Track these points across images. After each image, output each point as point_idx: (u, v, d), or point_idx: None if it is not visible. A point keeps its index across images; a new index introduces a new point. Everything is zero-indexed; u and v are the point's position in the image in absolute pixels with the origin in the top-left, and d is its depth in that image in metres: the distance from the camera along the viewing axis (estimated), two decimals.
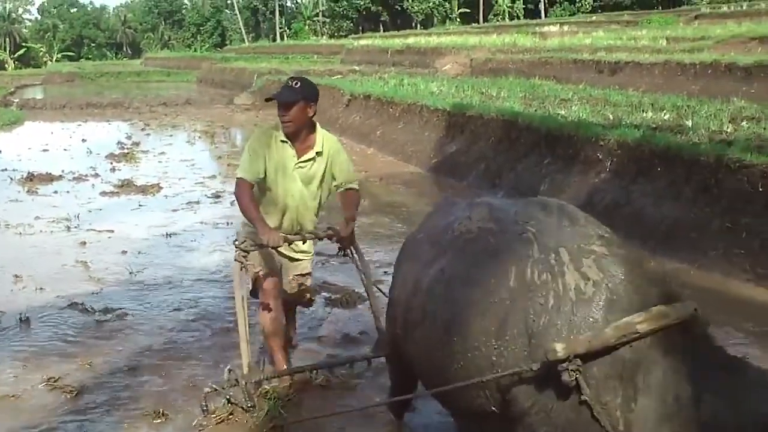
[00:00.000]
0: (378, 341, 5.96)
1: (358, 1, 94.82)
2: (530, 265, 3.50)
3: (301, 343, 6.90)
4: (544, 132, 13.42)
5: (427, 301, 3.93)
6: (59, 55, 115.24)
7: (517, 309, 3.44)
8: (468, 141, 16.01)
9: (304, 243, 5.87)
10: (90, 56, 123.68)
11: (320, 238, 5.83)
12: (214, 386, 5.50)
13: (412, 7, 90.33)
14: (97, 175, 16.50)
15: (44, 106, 35.80)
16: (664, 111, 14.58)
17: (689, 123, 12.54)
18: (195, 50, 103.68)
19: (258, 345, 6.15)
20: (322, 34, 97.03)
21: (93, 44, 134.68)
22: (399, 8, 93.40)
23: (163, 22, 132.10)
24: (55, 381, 6.17)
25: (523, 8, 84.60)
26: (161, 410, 5.63)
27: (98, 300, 8.26)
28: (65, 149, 21.33)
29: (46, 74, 70.79)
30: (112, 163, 18.35)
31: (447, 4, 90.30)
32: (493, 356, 3.48)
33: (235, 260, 5.45)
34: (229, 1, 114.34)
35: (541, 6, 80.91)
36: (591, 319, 3.28)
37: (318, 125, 5.69)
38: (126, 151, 20.57)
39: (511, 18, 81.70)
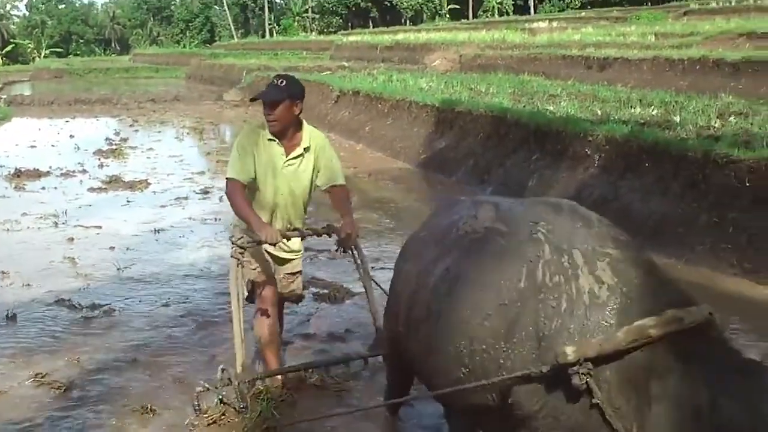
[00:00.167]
0: (375, 340, 5.93)
1: None
2: (541, 266, 3.42)
3: (290, 340, 6.89)
4: (533, 128, 13.44)
5: (431, 300, 3.85)
6: (47, 51, 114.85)
7: (527, 311, 3.37)
8: (457, 137, 16.02)
9: (303, 239, 5.84)
10: (78, 52, 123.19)
11: (318, 235, 5.80)
12: (206, 385, 5.41)
13: (401, 3, 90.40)
14: (85, 171, 16.44)
15: (32, 102, 35.60)
16: (653, 107, 14.62)
17: (677, 118, 12.58)
18: (184, 46, 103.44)
19: (252, 344, 6.08)
20: (312, 31, 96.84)
21: (81, 40, 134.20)
22: (388, 4, 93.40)
23: (151, 18, 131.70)
24: (42, 377, 6.16)
25: (513, 4, 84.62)
26: (149, 406, 5.62)
27: (86, 296, 8.24)
28: (53, 145, 21.24)
29: (34, 70, 70.38)
30: (100, 159, 18.30)
31: (436, 0, 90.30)
32: (501, 358, 3.42)
33: (232, 257, 5.39)
34: None
35: (531, 2, 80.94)
36: (605, 324, 3.21)
37: (305, 123, 5.63)
38: (114, 147, 20.49)
39: (501, 14, 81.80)
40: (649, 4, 61.96)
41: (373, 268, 6.79)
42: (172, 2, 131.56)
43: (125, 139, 22.30)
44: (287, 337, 6.86)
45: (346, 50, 48.22)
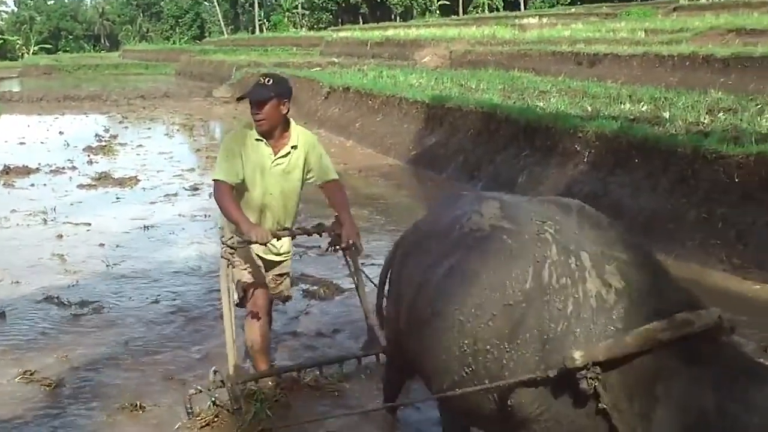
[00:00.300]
0: (368, 339, 5.88)
1: None
2: (548, 267, 3.35)
3: (281, 338, 6.87)
4: (523, 124, 13.44)
5: (435, 298, 3.75)
6: (36, 48, 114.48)
7: (532, 312, 3.31)
8: (447, 133, 16.02)
9: (293, 239, 5.79)
10: (67, 49, 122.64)
11: (309, 234, 5.73)
12: (198, 388, 5.36)
13: None
14: (74, 168, 16.41)
15: (21, 98, 35.50)
16: (642, 102, 14.64)
17: (667, 114, 12.60)
18: (174, 42, 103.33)
19: (244, 344, 5.98)
20: (302, 26, 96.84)
21: (70, 36, 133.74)
22: (378, 0, 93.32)
23: (141, 14, 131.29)
24: (31, 374, 6.15)
25: (503, 0, 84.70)
26: (139, 403, 5.61)
27: (75, 293, 8.23)
28: (42, 142, 21.15)
29: (22, 67, 70.18)
30: (89, 156, 18.25)
31: None
32: (504, 359, 3.35)
33: (222, 257, 5.30)
34: None
35: None
36: (612, 328, 3.15)
37: (292, 122, 5.56)
38: (104, 143, 20.46)
39: (491, 10, 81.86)
40: (639, 0, 62.10)
41: (363, 264, 6.78)
42: None
43: (115, 136, 22.24)
44: (277, 335, 6.84)
45: (336, 46, 48.19)
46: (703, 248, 8.65)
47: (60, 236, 10.62)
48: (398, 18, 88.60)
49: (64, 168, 16.37)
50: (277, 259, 5.77)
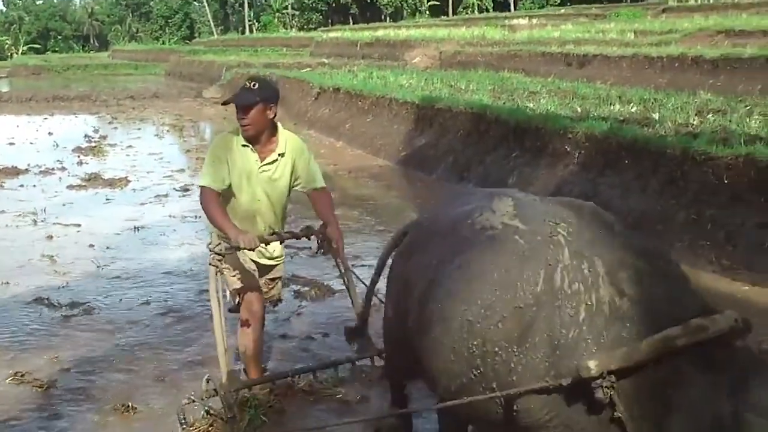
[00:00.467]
0: (363, 343, 5.79)
1: None
2: (560, 270, 3.28)
3: (272, 340, 6.86)
4: (513, 125, 13.47)
5: (444, 296, 3.63)
6: (25, 48, 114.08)
7: (542, 316, 3.23)
8: (437, 134, 16.03)
9: (282, 243, 5.69)
10: (56, 49, 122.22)
11: (298, 238, 5.64)
12: (191, 397, 5.27)
13: None
14: (64, 169, 16.37)
15: (10, 99, 35.36)
16: (632, 104, 14.69)
17: (656, 116, 12.65)
18: (163, 43, 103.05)
19: (235, 349, 5.91)
20: (292, 27, 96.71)
21: (59, 37, 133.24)
22: (368, 1, 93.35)
23: (130, 15, 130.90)
24: (22, 375, 6.15)
25: (492, 1, 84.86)
26: (130, 404, 5.62)
27: (65, 294, 8.22)
28: (31, 143, 21.08)
29: (11, 67, 69.93)
30: (79, 157, 18.21)
31: None
32: (512, 363, 3.27)
33: (210, 264, 5.19)
34: None
35: None
36: (625, 336, 3.08)
37: (280, 126, 5.45)
38: (93, 144, 20.42)
39: (480, 11, 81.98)
40: (628, 1, 62.27)
41: (353, 265, 6.79)
42: None
43: (104, 137, 22.20)
44: (269, 337, 6.81)
45: (326, 47, 48.15)
46: (693, 249, 8.68)
47: (50, 237, 10.60)
48: (388, 18, 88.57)
49: (53, 169, 16.34)
50: (271, 263, 5.73)
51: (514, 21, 48.44)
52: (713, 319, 3.04)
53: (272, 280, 5.87)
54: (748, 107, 13.29)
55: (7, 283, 8.62)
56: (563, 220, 3.48)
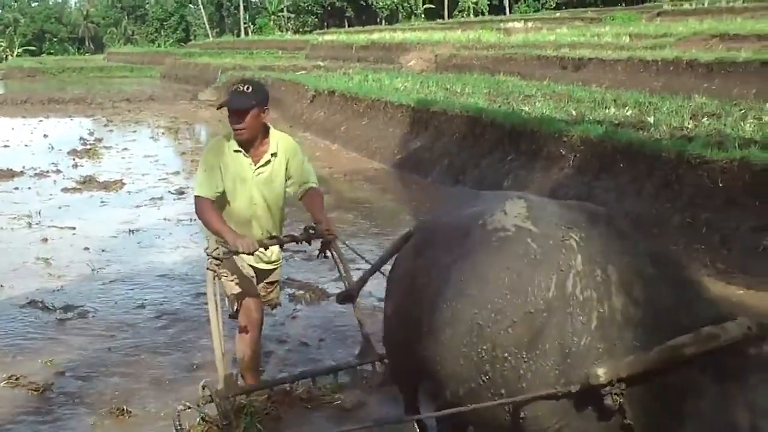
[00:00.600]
0: (362, 348, 5.74)
1: None
2: (572, 277, 3.24)
3: (268, 344, 6.81)
4: (508, 128, 13.49)
5: (454, 299, 3.56)
6: (20, 50, 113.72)
7: (553, 323, 3.20)
8: (432, 137, 16.05)
9: (281, 247, 5.69)
10: (52, 51, 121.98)
11: (297, 242, 5.63)
12: (187, 404, 5.15)
13: (376, 2, 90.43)
14: (59, 171, 16.34)
15: (5, 101, 35.27)
16: (627, 107, 14.72)
17: (651, 119, 12.66)
18: (159, 45, 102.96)
19: (232, 354, 5.90)
20: (287, 30, 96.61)
21: (55, 39, 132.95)
22: (364, 4, 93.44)
23: (126, 17, 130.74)
24: (17, 379, 6.14)
25: (488, 4, 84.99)
26: (125, 407, 5.61)
27: (60, 297, 8.20)
28: (26, 145, 21.06)
29: (6, 69, 69.69)
30: (74, 159, 18.18)
31: (411, 0, 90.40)
32: (522, 369, 3.24)
33: (207, 269, 5.17)
34: None
35: (506, 2, 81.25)
36: (638, 345, 3.04)
37: (272, 128, 5.42)
38: (88, 147, 20.37)
39: (476, 14, 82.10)
40: (624, 5, 62.40)
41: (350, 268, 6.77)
42: (147, 1, 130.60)
43: (100, 139, 22.18)
44: (265, 341, 6.72)
45: (322, 50, 48.13)
46: (687, 253, 8.68)
47: (45, 240, 10.59)
48: (384, 21, 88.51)
49: (48, 171, 16.31)
50: (269, 267, 5.69)
51: (510, 24, 48.40)
52: (725, 327, 2.99)
53: (270, 284, 5.83)
54: (743, 111, 13.32)
55: (2, 286, 8.61)
56: (576, 225, 3.44)
